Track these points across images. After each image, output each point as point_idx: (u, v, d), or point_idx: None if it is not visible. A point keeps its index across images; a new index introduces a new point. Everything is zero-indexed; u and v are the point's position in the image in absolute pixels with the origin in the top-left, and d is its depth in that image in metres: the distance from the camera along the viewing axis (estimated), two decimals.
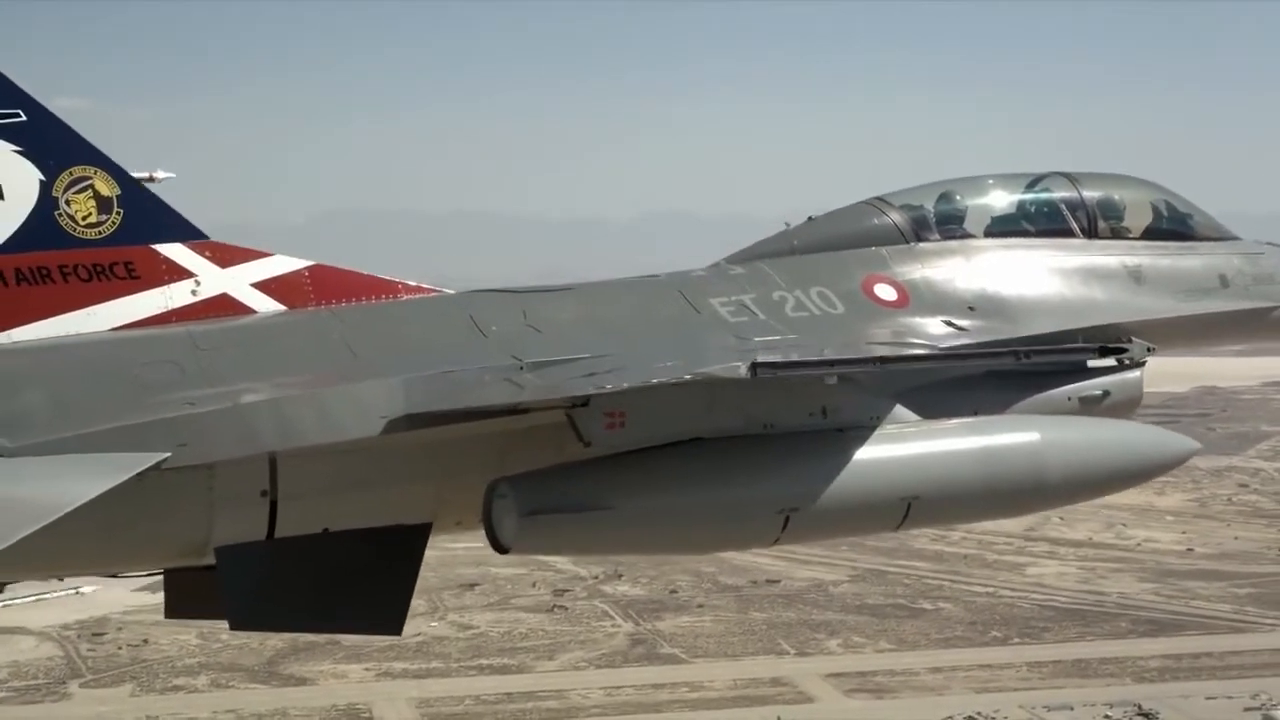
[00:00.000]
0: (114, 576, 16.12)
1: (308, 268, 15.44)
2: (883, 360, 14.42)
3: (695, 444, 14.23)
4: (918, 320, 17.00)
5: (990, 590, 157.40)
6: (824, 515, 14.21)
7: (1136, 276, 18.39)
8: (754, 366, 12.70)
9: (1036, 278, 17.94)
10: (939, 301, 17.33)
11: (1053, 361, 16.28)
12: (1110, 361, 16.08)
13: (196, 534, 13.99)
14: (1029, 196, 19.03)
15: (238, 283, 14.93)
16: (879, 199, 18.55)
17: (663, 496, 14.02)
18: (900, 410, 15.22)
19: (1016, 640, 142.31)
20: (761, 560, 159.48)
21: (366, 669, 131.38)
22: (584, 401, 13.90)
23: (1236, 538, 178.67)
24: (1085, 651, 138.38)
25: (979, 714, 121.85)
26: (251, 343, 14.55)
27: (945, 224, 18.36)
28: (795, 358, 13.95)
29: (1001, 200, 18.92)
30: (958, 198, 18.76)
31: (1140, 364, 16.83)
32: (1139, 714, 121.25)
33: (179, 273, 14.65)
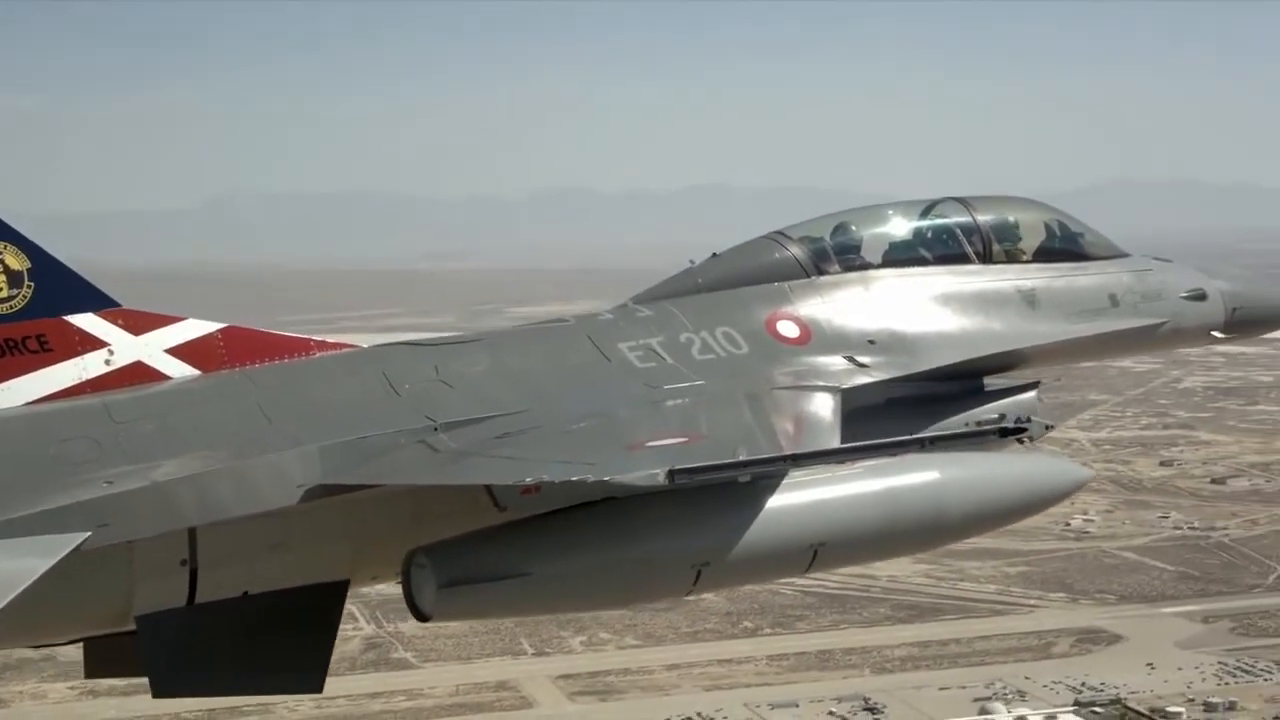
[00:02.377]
0: (34, 648, 16.13)
1: (220, 330, 15.50)
2: (794, 458, 14.18)
3: (608, 503, 14.18)
4: (820, 359, 17.14)
5: None
6: (734, 568, 14.41)
7: (1030, 301, 18.73)
8: (671, 474, 12.76)
9: (935, 308, 18.22)
10: (841, 338, 17.49)
11: (957, 435, 16.34)
12: (1010, 441, 16.22)
13: (116, 605, 14.14)
14: (924, 224, 19.17)
15: (151, 349, 15.02)
16: (779, 233, 18.63)
17: (578, 559, 14.10)
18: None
19: (768, 630, 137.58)
20: None
21: (70, 688, 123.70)
22: None
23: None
24: (833, 641, 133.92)
25: (699, 714, 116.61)
26: (167, 413, 14.55)
27: (844, 255, 18.44)
28: (710, 461, 13.61)
29: (898, 229, 19.07)
30: (854, 228, 18.88)
31: (1040, 431, 17.19)
32: (865, 708, 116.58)
33: (92, 343, 14.75)
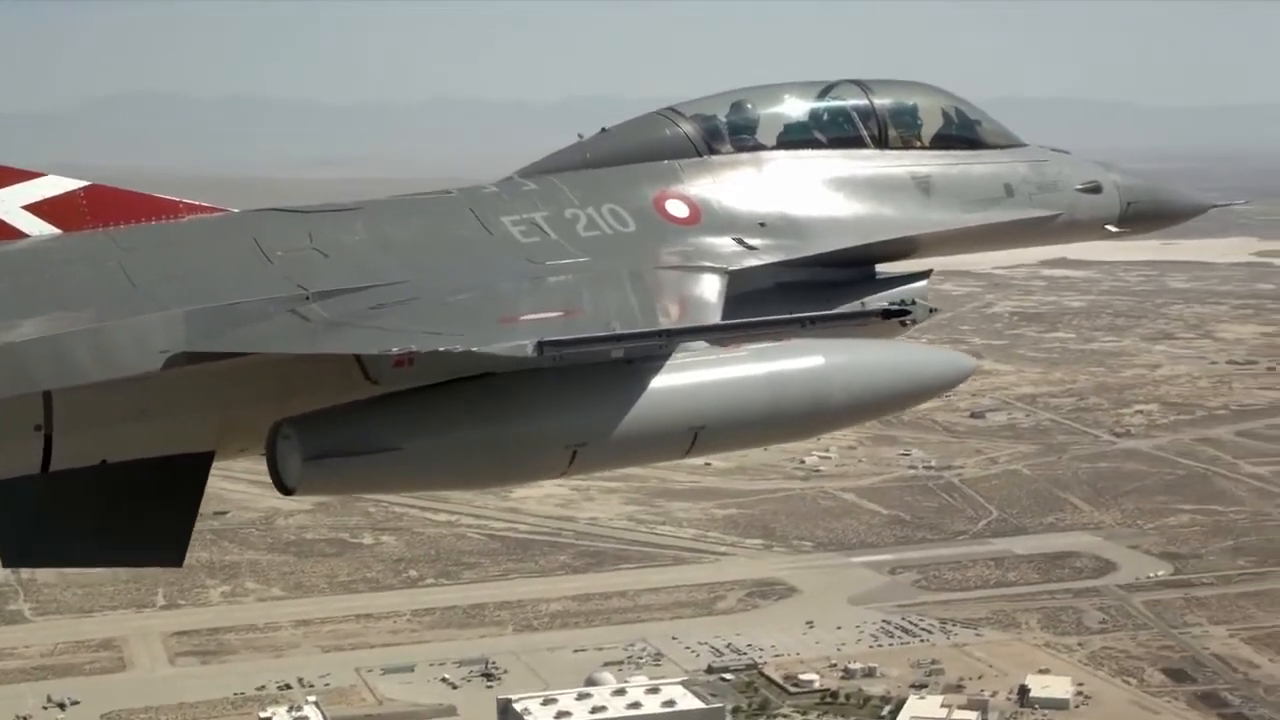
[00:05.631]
0: None
1: (83, 188, 14.75)
2: (669, 333, 13.82)
3: (484, 379, 13.67)
4: (708, 240, 16.70)
5: (453, 519, 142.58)
6: (611, 448, 14.06)
7: (925, 188, 18.56)
8: (540, 345, 12.36)
9: (828, 191, 17.87)
10: (730, 219, 17.02)
11: (839, 315, 16.22)
12: (894, 324, 15.70)
13: None
14: (821, 105, 18.78)
15: (8, 205, 14.33)
16: (672, 109, 18.04)
17: (450, 435, 13.59)
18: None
19: (430, 581, 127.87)
20: (234, 490, 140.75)
21: None
22: None
23: (766, 448, 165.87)
24: (493, 594, 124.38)
25: (300, 680, 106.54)
26: (24, 271, 13.95)
27: (738, 135, 17.96)
28: (581, 334, 13.24)
29: (794, 110, 18.64)
30: (749, 107, 18.39)
31: (923, 314, 16.30)
32: (483, 673, 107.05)
33: None
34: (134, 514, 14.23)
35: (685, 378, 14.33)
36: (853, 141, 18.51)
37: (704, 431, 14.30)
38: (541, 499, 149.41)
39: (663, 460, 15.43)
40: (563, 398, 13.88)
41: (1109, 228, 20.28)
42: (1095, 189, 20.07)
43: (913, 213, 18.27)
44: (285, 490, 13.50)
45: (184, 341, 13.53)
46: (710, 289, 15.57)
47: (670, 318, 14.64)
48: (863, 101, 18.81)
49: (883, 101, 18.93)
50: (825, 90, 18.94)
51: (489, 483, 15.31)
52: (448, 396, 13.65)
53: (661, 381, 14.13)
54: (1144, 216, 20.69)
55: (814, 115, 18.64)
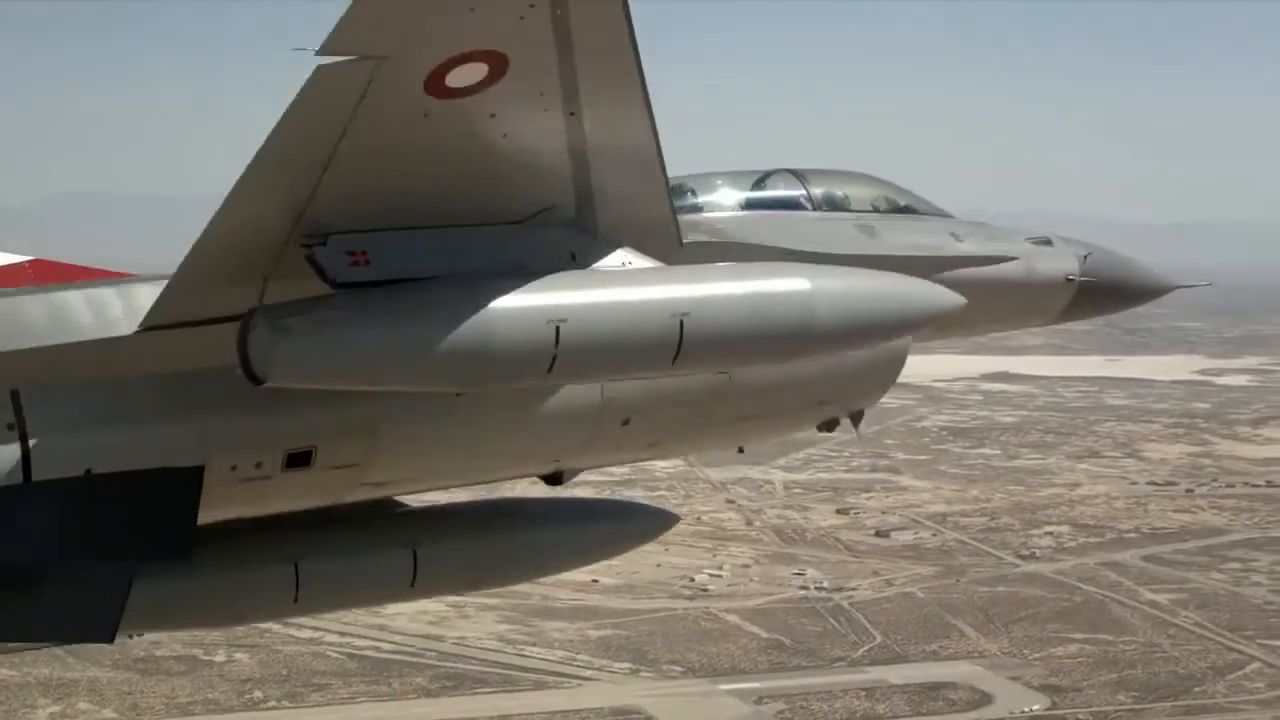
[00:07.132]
0: None
1: (28, 261, 15.21)
2: None
3: (450, 276, 13.94)
4: None
5: (316, 635, 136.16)
6: (597, 328, 13.77)
7: (870, 233, 19.16)
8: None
9: (771, 229, 18.46)
10: None
11: None
12: None
13: None
14: (756, 193, 19.40)
15: None
16: None
17: (421, 317, 13.39)
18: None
19: (272, 704, 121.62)
20: None
21: None
22: (322, 240, 13.87)
23: (659, 565, 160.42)
24: (331, 718, 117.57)
25: None
26: None
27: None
28: None
29: (729, 196, 19.20)
30: (684, 192, 18.66)
31: None
32: None
33: None
34: (128, 522, 14.09)
35: (663, 276, 14.63)
36: None
37: (689, 320, 13.99)
38: (414, 615, 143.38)
39: (656, 363, 14.66)
40: (538, 282, 13.72)
41: (1071, 278, 20.63)
42: (1045, 241, 20.80)
43: (862, 246, 18.54)
44: (257, 379, 13.24)
45: (144, 307, 13.70)
46: None
47: None
48: (798, 189, 19.47)
49: (816, 188, 19.57)
50: (762, 178, 19.57)
51: (471, 370, 14.21)
52: (415, 285, 13.64)
53: (635, 276, 14.45)
54: (1104, 281, 21.03)
55: (749, 202, 19.15)
